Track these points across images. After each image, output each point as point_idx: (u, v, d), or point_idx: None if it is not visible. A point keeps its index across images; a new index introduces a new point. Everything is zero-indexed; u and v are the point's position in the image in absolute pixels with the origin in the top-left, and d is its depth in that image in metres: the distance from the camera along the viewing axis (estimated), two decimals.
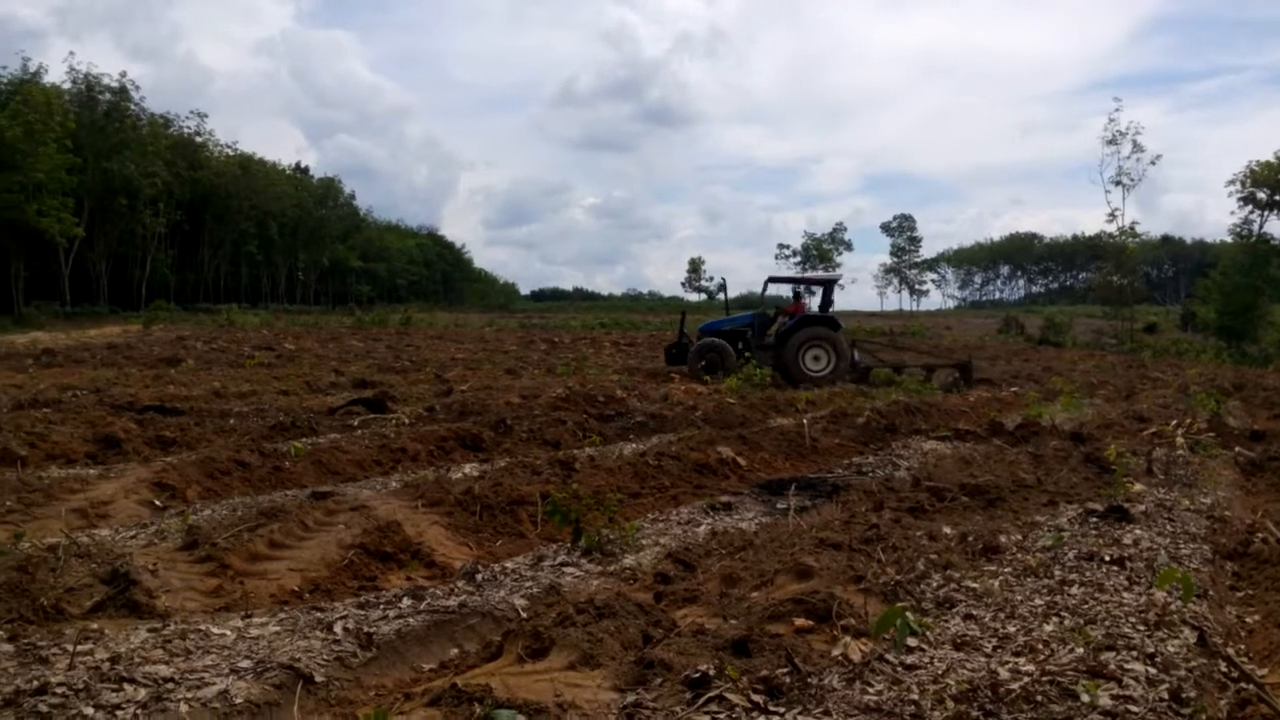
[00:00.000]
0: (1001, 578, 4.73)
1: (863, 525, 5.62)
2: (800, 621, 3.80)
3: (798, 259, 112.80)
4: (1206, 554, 5.47)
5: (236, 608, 4.41)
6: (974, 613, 4.16)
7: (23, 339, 29.82)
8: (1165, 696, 3.22)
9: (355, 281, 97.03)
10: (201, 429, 9.80)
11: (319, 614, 4.26)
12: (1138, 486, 7.21)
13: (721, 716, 3.00)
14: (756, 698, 3.08)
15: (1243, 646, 4.08)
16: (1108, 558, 5.11)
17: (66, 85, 56.08)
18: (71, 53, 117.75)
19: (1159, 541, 5.62)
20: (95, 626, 3.91)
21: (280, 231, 78.49)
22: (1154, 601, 4.27)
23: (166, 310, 51.58)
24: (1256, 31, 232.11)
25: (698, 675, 3.15)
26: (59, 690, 3.22)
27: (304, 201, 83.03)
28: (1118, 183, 43.76)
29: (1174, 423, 10.23)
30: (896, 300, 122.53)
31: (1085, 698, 3.13)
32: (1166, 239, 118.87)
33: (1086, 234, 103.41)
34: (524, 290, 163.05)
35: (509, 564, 5.40)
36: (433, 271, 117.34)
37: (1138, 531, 5.82)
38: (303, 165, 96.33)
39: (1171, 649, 3.69)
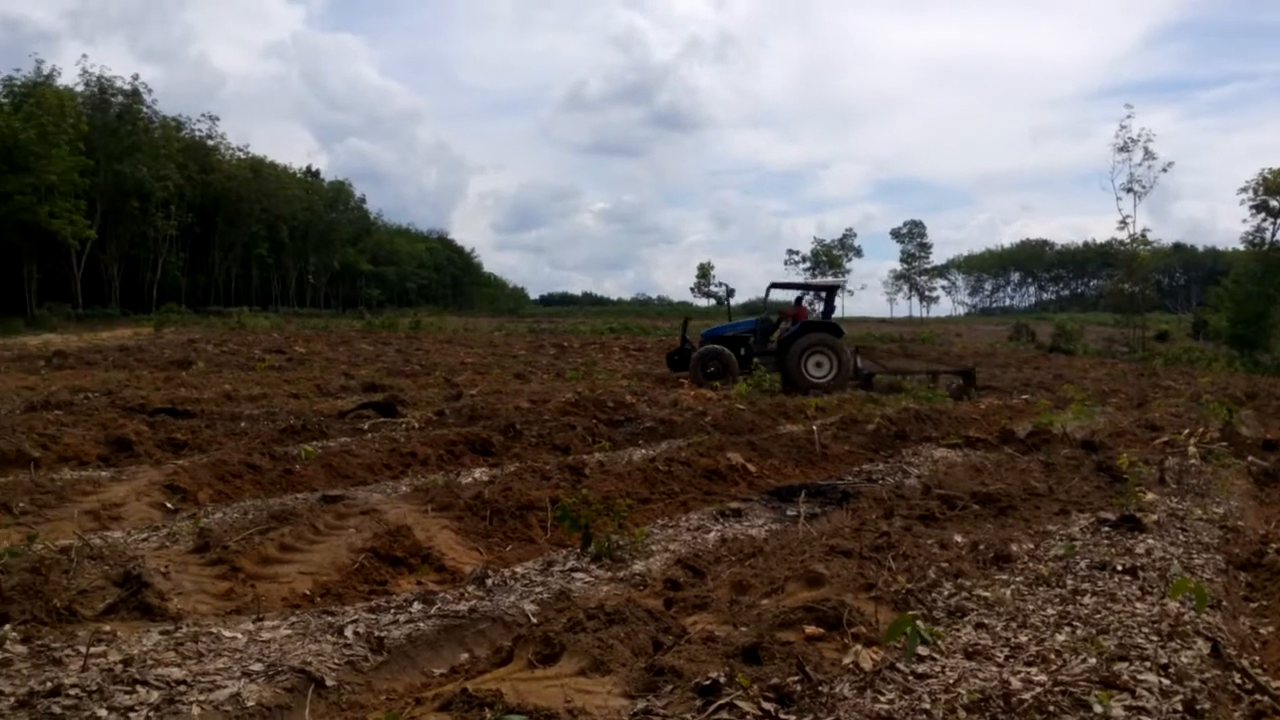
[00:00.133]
0: (1013, 586, 4.71)
1: (873, 533, 5.60)
2: (811, 629, 3.79)
3: (807, 265, 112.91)
4: (1220, 564, 5.44)
5: (248, 611, 4.42)
6: (985, 622, 4.15)
7: (35, 341, 30.00)
8: (1179, 708, 3.20)
9: (365, 285, 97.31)
10: (213, 432, 9.84)
11: (330, 618, 4.26)
12: (1150, 496, 7.18)
13: None
14: (767, 705, 3.07)
15: (1257, 658, 4.06)
16: (1120, 567, 5.08)
17: (79, 88, 56.54)
18: (84, 55, 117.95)
19: (1172, 551, 5.59)
20: (108, 628, 3.93)
21: (291, 235, 78.79)
22: (1167, 612, 4.24)
23: (178, 313, 51.83)
24: (1270, 38, 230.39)
25: (708, 682, 3.15)
26: (72, 692, 3.23)
27: (315, 205, 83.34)
28: (1129, 190, 43.67)
29: (1186, 432, 10.20)
30: (906, 307, 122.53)
31: (1098, 708, 3.12)
32: (1178, 246, 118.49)
33: (1098, 241, 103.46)
34: (533, 295, 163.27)
35: (519, 569, 5.40)
36: (442, 275, 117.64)
37: (1150, 541, 5.79)
38: (313, 168, 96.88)
39: (1185, 660, 3.67)
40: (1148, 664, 3.59)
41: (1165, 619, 4.15)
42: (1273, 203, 41.82)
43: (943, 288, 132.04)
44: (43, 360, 21.12)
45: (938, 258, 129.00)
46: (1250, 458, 9.76)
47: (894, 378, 20.04)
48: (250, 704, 3.25)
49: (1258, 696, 3.39)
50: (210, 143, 70.61)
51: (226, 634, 3.95)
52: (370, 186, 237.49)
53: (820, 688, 3.23)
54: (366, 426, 10.79)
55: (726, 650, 3.47)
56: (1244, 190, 42.82)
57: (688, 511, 7.30)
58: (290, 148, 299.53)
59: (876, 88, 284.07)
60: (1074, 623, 4.16)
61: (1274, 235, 42.36)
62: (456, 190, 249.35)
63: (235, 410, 11.92)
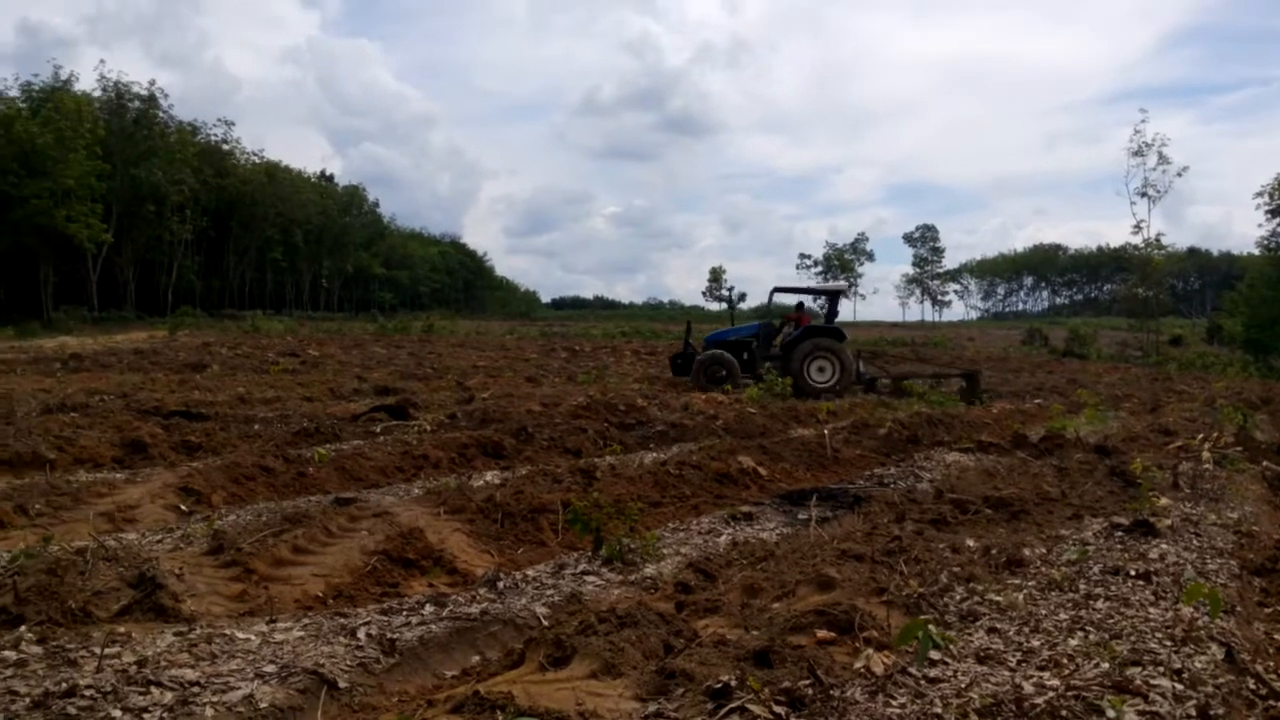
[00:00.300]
0: (1026, 591, 4.69)
1: (885, 537, 5.59)
2: (822, 633, 3.79)
3: (819, 269, 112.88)
4: (1234, 569, 5.40)
5: (261, 612, 4.45)
6: (998, 626, 4.13)
7: (51, 344, 30.21)
8: (1192, 713, 3.19)
9: (378, 289, 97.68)
10: (226, 434, 9.90)
11: (342, 620, 4.28)
12: (1164, 501, 7.14)
13: None
14: (779, 709, 3.06)
15: (1271, 663, 4.03)
16: (1133, 572, 5.06)
17: (96, 93, 57.06)
18: (102, 61, 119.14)
19: (1185, 556, 5.56)
20: (122, 630, 3.96)
21: (305, 239, 79.15)
22: (1180, 617, 4.22)
23: (192, 316, 52.07)
24: None
25: (719, 686, 3.15)
26: (87, 693, 3.25)
27: (329, 209, 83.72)
28: (1143, 194, 43.49)
29: (1200, 436, 10.14)
30: (919, 311, 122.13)
31: (1111, 713, 3.10)
32: (1193, 251, 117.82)
33: (1112, 245, 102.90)
34: (545, 298, 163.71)
35: (530, 572, 5.41)
36: (455, 279, 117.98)
37: (1164, 546, 5.76)
38: (328, 173, 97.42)
39: (1199, 665, 3.65)
40: (1161, 669, 3.57)
41: (1179, 624, 4.12)
42: None
43: (955, 292, 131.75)
44: (59, 363, 21.27)
45: (950, 262, 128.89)
46: (1265, 463, 9.69)
47: (898, 381, 19.97)
48: (263, 705, 3.26)
49: (1272, 703, 3.37)
50: (225, 147, 71.11)
51: (240, 635, 3.98)
52: (384, 191, 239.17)
53: (832, 692, 3.23)
54: (379, 429, 10.82)
55: (738, 654, 3.47)
56: (1259, 194, 42.56)
57: (699, 515, 7.30)
58: (305, 152, 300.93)
59: (889, 92, 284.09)
60: (1087, 627, 4.14)
61: None
62: (469, 194, 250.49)
63: (249, 413, 11.98)
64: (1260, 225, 43.58)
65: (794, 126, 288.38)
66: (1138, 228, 44.20)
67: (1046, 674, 3.53)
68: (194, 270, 66.96)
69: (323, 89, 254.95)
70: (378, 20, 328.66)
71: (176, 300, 61.44)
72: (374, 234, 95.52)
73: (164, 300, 60.87)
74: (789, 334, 19.54)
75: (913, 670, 3.46)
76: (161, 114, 60.72)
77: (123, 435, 9.18)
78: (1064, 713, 3.11)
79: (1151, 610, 4.41)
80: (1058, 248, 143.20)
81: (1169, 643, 3.91)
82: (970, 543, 5.58)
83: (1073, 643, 3.92)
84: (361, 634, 4.05)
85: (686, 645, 3.66)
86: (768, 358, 19.18)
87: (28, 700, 3.19)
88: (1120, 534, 6.06)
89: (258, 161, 75.33)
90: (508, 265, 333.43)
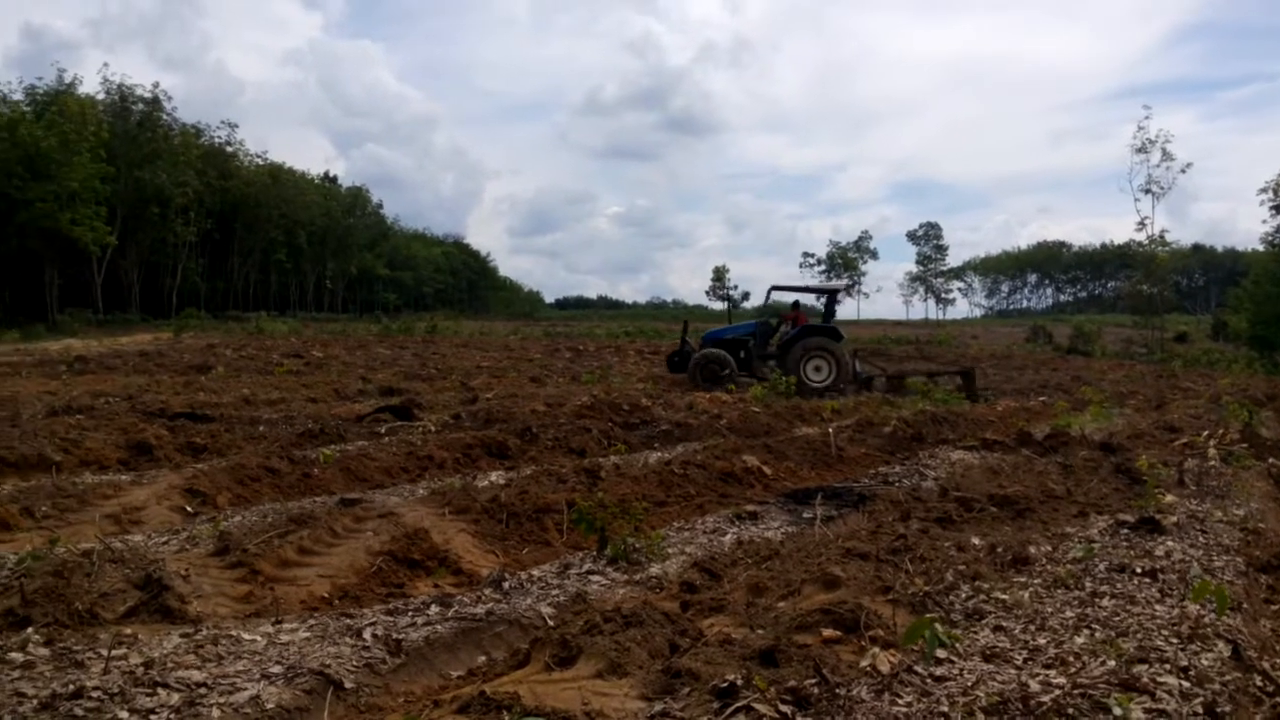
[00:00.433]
0: (1031, 589, 4.68)
1: (890, 535, 5.59)
2: (828, 632, 3.79)
3: (823, 267, 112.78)
4: (1240, 566, 5.39)
5: (267, 614, 4.45)
6: (1004, 624, 4.13)
7: (56, 346, 30.27)
8: (1199, 710, 3.18)
9: (382, 289, 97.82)
10: (232, 436, 9.91)
11: (348, 620, 4.29)
12: (1169, 498, 7.12)
13: None
14: (785, 708, 3.06)
15: (1278, 660, 4.02)
16: (1139, 570, 5.05)
17: (100, 96, 57.05)
18: (105, 64, 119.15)
19: (1191, 553, 5.55)
20: (129, 631, 3.97)
21: (309, 240, 79.25)
22: (1187, 614, 4.21)
23: (197, 318, 52.15)
24: None
25: (725, 685, 3.15)
26: (94, 694, 3.26)
27: (332, 210, 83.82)
28: (1147, 191, 43.28)
29: (1206, 433, 10.11)
30: (923, 309, 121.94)
31: (1118, 711, 3.10)
32: (1197, 247, 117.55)
33: (1116, 242, 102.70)
34: (548, 298, 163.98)
35: (535, 572, 5.41)
36: (458, 280, 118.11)
37: (1170, 543, 5.75)
38: (331, 174, 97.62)
39: (1205, 662, 3.64)
40: (1168, 666, 3.56)
41: (1185, 621, 4.12)
42: None
43: (959, 290, 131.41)
44: (64, 365, 21.30)
45: (954, 260, 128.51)
46: (1271, 459, 9.66)
47: (895, 380, 19.96)
48: (270, 706, 3.27)
49: (1279, 699, 3.36)
50: (229, 149, 71.18)
51: (246, 636, 3.98)
52: (387, 192, 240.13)
53: (838, 690, 3.23)
54: (384, 430, 10.83)
55: (743, 653, 3.47)
56: (1264, 191, 42.39)
57: (704, 514, 7.30)
58: (308, 154, 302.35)
59: (892, 90, 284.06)
60: (1093, 625, 4.13)
61: None
62: (472, 195, 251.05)
63: (254, 414, 12.00)
64: (1265, 221, 43.43)
65: (797, 125, 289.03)
66: (1142, 224, 44.05)
67: (1053, 672, 3.52)
68: (198, 272, 67.06)
69: (325, 90, 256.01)
70: (380, 21, 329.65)
71: (181, 302, 61.52)
72: (377, 235, 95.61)
73: (168, 302, 60.97)
74: (786, 333, 19.51)
75: (919, 669, 3.46)
76: (165, 116, 60.79)
77: (128, 437, 9.19)
78: (1071, 711, 3.11)
79: (1158, 608, 4.40)
80: (1062, 245, 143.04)
81: (1175, 640, 3.90)
82: (976, 541, 5.58)
83: (1079, 640, 3.92)
84: (367, 635, 4.06)
85: (692, 645, 3.66)
86: (764, 357, 19.14)
87: (35, 702, 3.19)
88: (1126, 531, 6.05)
89: (261, 163, 75.47)
90: (511, 265, 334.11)
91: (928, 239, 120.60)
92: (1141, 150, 43.27)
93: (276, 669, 3.60)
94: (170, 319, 52.34)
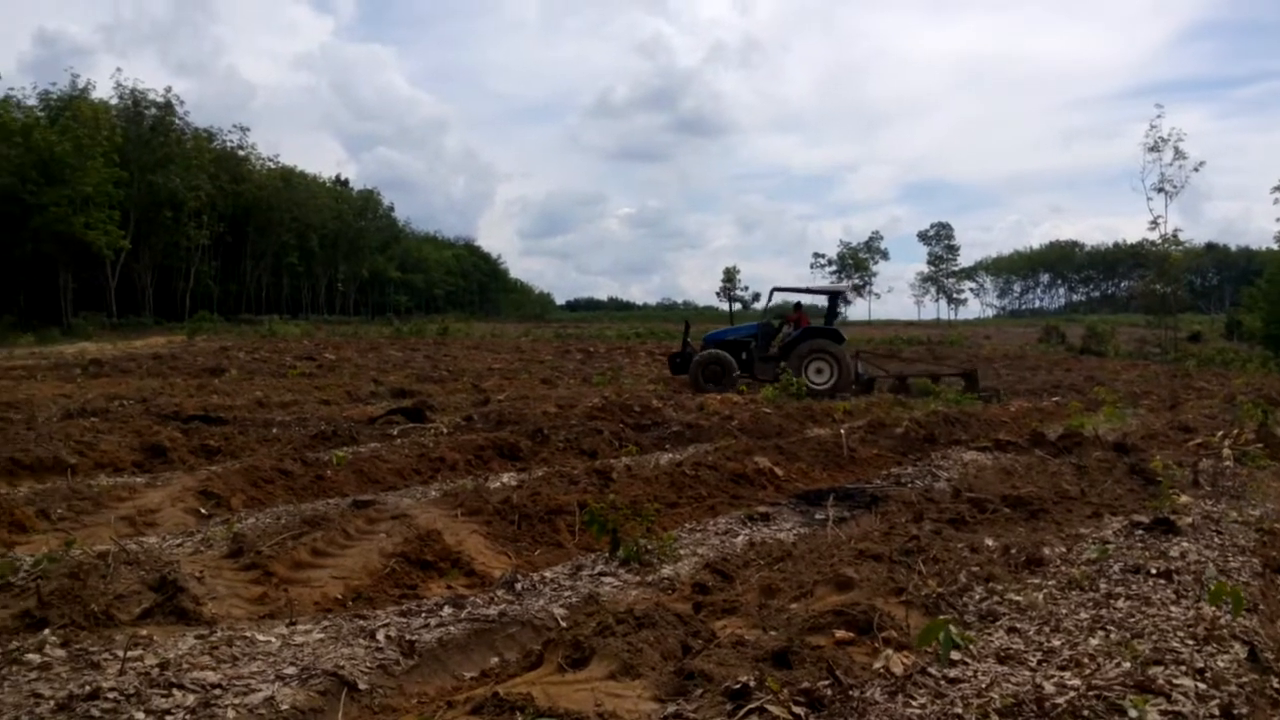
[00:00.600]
0: (1045, 590, 4.66)
1: (903, 536, 5.57)
2: (841, 633, 3.78)
3: (833, 268, 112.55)
4: (1256, 567, 5.36)
5: (281, 615, 4.47)
6: (1018, 626, 4.11)
7: (71, 349, 30.47)
8: (1216, 713, 3.16)
9: (394, 292, 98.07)
10: (245, 438, 9.96)
11: (362, 622, 4.30)
12: (1184, 498, 7.08)
13: None
14: (798, 710, 3.06)
15: None
16: (1154, 571, 5.02)
17: (114, 101, 57.30)
18: (118, 69, 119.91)
19: (1207, 554, 5.52)
20: (144, 633, 3.99)
21: (321, 243, 79.50)
22: (1203, 615, 4.19)
23: (210, 321, 52.35)
24: None
25: (738, 686, 3.14)
26: (110, 695, 3.28)
27: (344, 213, 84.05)
28: (1160, 190, 42.89)
29: (1220, 433, 10.05)
30: (934, 309, 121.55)
31: (1133, 713, 3.08)
32: (1211, 246, 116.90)
33: (1128, 242, 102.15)
34: (559, 300, 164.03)
35: (548, 573, 5.42)
36: (469, 282, 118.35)
37: (1185, 544, 5.72)
38: (342, 178, 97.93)
39: (1221, 664, 3.62)
40: (1184, 668, 3.55)
41: (1201, 623, 4.09)
42: None
43: (971, 290, 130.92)
44: (79, 368, 21.44)
45: (965, 260, 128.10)
46: None
47: (899, 381, 19.90)
48: (284, 707, 3.28)
49: None
50: (241, 153, 71.41)
51: (260, 638, 4.00)
52: (399, 195, 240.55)
53: (851, 692, 3.22)
54: (396, 432, 10.86)
55: (756, 654, 3.47)
56: (1278, 189, 42.09)
57: (715, 515, 7.29)
58: (319, 157, 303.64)
59: (903, 90, 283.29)
60: (1108, 627, 4.12)
61: None
62: (483, 197, 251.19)
63: (267, 417, 12.05)
64: (1279, 220, 43.12)
65: (807, 126, 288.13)
66: (1155, 224, 43.67)
67: (1068, 674, 3.51)
68: (211, 275, 67.36)
69: (337, 94, 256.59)
70: (391, 25, 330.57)
71: (194, 305, 61.83)
72: (389, 238, 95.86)
73: (181, 305, 61.25)
74: (788, 334, 19.46)
75: (933, 670, 3.45)
76: (178, 121, 61.03)
77: (142, 440, 9.25)
78: (1086, 713, 3.10)
79: (1173, 609, 4.38)
80: (1074, 244, 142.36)
81: (1191, 642, 3.88)
82: (989, 542, 5.56)
83: (1094, 642, 3.90)
84: (381, 636, 4.07)
85: (705, 646, 3.66)
86: (766, 358, 19.10)
87: (52, 703, 3.22)
88: (1140, 532, 6.02)
89: (273, 167, 75.68)
90: (522, 267, 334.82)
91: (939, 239, 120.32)
92: (1154, 149, 42.90)
93: (291, 670, 3.61)
94: (183, 322, 52.60)
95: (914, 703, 3.20)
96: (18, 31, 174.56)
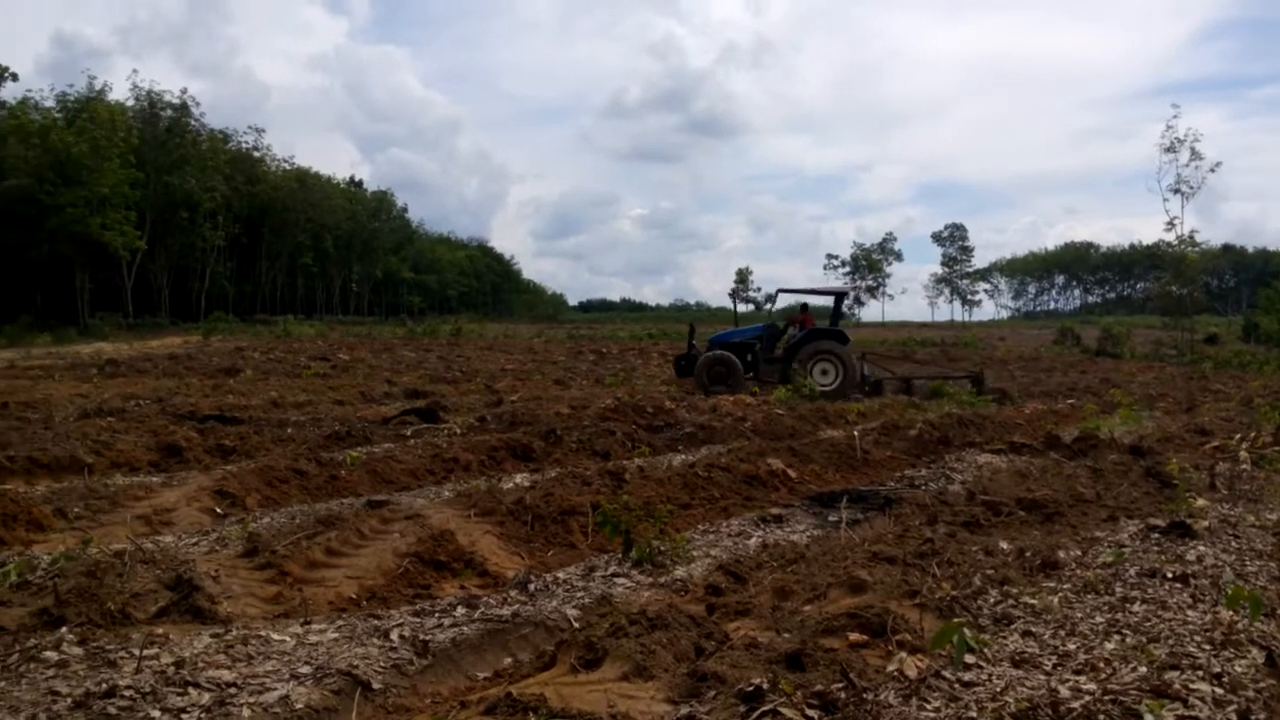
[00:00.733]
0: (1061, 594, 4.64)
1: (917, 539, 5.56)
2: (854, 636, 3.77)
3: (846, 269, 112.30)
4: (1274, 571, 5.31)
5: (296, 614, 4.49)
6: (1033, 629, 4.09)
7: (87, 349, 30.69)
8: (1233, 718, 3.14)
9: (407, 293, 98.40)
10: (260, 438, 10.00)
11: (376, 621, 4.32)
12: (1201, 502, 7.04)
13: None
14: (811, 713, 3.05)
15: None
16: (1170, 574, 4.99)
17: (130, 102, 57.74)
18: (135, 70, 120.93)
19: (1224, 558, 5.48)
20: (160, 631, 4.02)
21: (335, 244, 79.86)
22: (1220, 620, 4.16)
23: (225, 321, 52.66)
24: None
25: (751, 689, 3.14)
26: (127, 693, 3.30)
27: (358, 214, 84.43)
28: (1176, 190, 42.59)
29: (1238, 436, 9.99)
30: (948, 311, 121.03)
31: (1149, 718, 3.06)
32: (1228, 248, 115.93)
33: (1144, 243, 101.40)
34: (572, 301, 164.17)
35: (560, 574, 5.42)
36: (482, 283, 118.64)
37: (1201, 548, 5.68)
38: (357, 179, 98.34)
39: (1239, 669, 3.59)
40: (1200, 673, 3.52)
41: (1218, 627, 4.07)
42: None
43: (985, 291, 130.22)
44: (95, 368, 21.59)
45: (980, 261, 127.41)
46: None
47: (905, 383, 19.82)
48: (299, 706, 3.30)
49: None
50: (256, 154, 71.84)
51: (275, 637, 4.02)
52: (412, 196, 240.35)
53: (865, 695, 3.22)
54: (409, 432, 10.90)
55: (769, 657, 3.46)
56: None
57: (728, 517, 7.29)
58: (334, 158, 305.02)
59: (916, 90, 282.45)
60: (1124, 631, 4.09)
61: None
62: (496, 198, 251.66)
63: (282, 417, 12.11)
64: None
65: (820, 126, 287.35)
66: (1171, 225, 43.32)
67: (1083, 678, 3.49)
68: (226, 276, 67.75)
69: (351, 95, 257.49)
70: (405, 26, 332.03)
71: (209, 306, 62.20)
72: (402, 239, 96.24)
73: (197, 306, 61.62)
74: (793, 336, 19.41)
75: (947, 674, 3.44)
76: (193, 122, 61.43)
77: (158, 439, 9.31)
78: (1101, 717, 3.08)
79: (1190, 613, 4.35)
80: (1089, 246, 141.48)
81: (1208, 646, 3.86)
82: (1004, 545, 5.53)
83: (1109, 646, 3.88)
84: (394, 635, 4.09)
85: (718, 648, 3.66)
86: (771, 360, 19.05)
87: (69, 700, 3.24)
88: (1157, 536, 5.98)
89: (288, 168, 76.10)
90: (535, 268, 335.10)
91: (953, 240, 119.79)
92: (1170, 149, 42.60)
93: (305, 669, 3.63)
94: (199, 322, 52.90)
95: (928, 706, 3.19)
96: (36, 34, 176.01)
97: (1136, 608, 4.44)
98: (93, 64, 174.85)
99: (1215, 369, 31.83)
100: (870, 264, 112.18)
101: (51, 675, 3.48)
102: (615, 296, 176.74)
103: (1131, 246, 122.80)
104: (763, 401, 15.53)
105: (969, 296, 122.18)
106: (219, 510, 6.87)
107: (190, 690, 3.38)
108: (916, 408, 15.38)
